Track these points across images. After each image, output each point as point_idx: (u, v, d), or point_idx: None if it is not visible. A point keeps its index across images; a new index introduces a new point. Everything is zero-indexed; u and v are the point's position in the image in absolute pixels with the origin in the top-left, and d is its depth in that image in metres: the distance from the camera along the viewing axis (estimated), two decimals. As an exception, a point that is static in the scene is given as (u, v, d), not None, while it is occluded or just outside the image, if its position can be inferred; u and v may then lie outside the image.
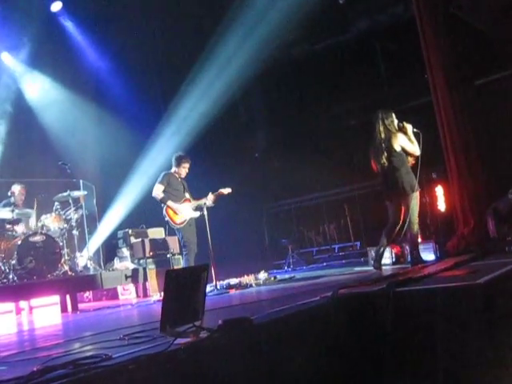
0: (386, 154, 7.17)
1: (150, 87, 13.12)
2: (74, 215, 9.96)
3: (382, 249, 7.28)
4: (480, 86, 9.58)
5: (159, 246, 10.09)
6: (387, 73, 11.97)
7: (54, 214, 9.64)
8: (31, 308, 8.40)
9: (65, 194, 9.85)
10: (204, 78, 12.09)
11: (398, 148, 7.17)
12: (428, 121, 9.44)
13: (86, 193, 10.12)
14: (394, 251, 8.06)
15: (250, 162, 13.78)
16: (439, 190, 9.58)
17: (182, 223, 8.55)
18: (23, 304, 8.38)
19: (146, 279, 9.60)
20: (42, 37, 11.59)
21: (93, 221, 10.84)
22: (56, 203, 9.86)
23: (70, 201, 9.99)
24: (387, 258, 8.02)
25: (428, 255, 7.66)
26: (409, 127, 7.24)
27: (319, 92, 12.61)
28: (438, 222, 9.75)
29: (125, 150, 12.09)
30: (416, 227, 7.18)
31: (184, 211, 8.58)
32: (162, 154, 11.18)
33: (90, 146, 12.94)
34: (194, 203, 8.67)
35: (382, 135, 7.22)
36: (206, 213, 8.30)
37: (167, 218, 8.56)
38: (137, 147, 12.16)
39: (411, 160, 7.30)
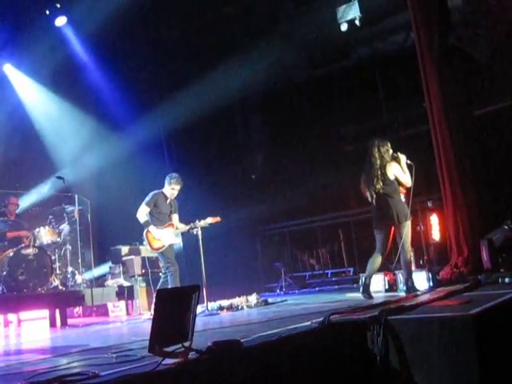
0: (380, 181, 7.19)
1: (149, 103, 13.12)
2: (67, 229, 9.91)
3: (368, 278, 7.25)
4: (478, 117, 9.64)
5: (151, 264, 10.01)
6: (386, 100, 12.01)
7: (47, 227, 9.60)
8: (20, 321, 8.30)
9: (59, 207, 9.83)
10: (204, 98, 12.10)
11: (391, 177, 7.20)
12: (425, 149, 9.49)
13: (81, 208, 10.06)
14: (387, 278, 8.02)
15: (246, 184, 13.76)
16: (434, 219, 9.59)
17: (159, 248, 8.32)
18: (12, 317, 8.30)
19: (136, 297, 9.52)
20: (44, 50, 11.62)
21: (86, 236, 10.76)
22: (50, 216, 9.82)
23: (65, 215, 9.96)
24: (380, 285, 7.98)
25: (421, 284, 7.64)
26: (403, 158, 7.26)
27: (318, 116, 12.65)
28: (431, 250, 9.75)
29: (122, 166, 12.08)
30: (409, 255, 7.20)
31: (164, 237, 8.32)
32: (159, 170, 11.16)
33: (88, 160, 12.90)
34: (178, 230, 8.48)
35: (378, 162, 7.22)
36: (199, 233, 8.16)
37: (145, 242, 8.36)
38: (134, 164, 12.15)
39: (402, 190, 7.33)
